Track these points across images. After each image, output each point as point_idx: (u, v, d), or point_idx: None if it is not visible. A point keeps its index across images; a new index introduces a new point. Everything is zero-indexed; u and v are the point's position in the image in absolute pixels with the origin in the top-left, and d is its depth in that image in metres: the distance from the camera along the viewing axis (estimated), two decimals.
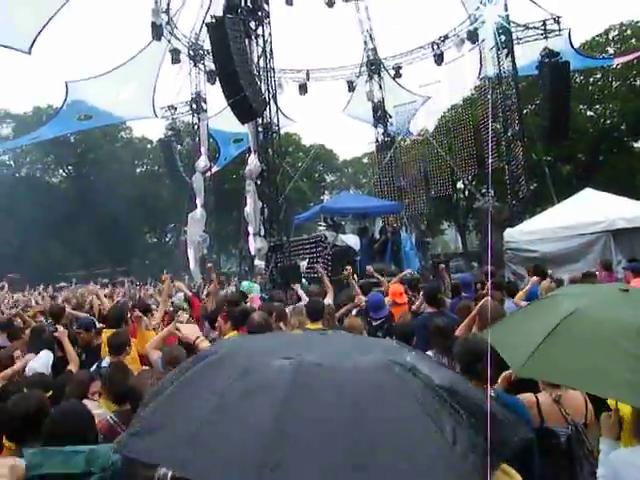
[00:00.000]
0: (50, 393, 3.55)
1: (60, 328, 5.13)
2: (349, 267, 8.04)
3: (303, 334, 3.64)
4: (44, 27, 14.06)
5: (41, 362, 4.80)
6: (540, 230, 11.38)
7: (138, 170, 49.72)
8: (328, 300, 7.24)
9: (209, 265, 11.07)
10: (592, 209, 11.28)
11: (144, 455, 1.54)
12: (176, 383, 1.76)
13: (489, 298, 4.77)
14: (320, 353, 1.69)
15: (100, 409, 3.46)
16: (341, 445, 1.33)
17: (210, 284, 9.23)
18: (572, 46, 20.63)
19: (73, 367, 4.78)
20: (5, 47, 13.68)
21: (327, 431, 1.36)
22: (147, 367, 4.57)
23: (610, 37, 31.35)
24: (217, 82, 15.12)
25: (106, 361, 4.55)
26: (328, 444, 1.33)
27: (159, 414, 1.62)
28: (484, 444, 1.42)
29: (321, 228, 16.49)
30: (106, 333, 5.33)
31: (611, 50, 30.33)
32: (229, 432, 1.41)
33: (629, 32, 30.82)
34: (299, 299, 8.17)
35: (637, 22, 30.70)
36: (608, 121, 31.97)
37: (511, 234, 12.18)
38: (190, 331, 3.94)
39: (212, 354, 1.79)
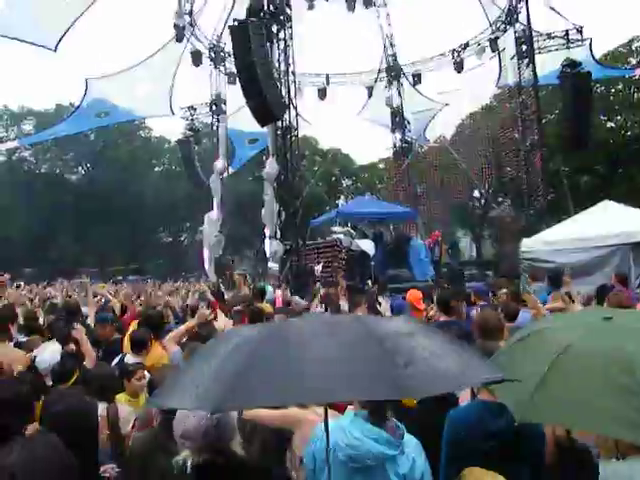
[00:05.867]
0: None
1: (77, 326, 5.07)
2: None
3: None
4: (72, 25, 14.20)
5: (51, 350, 4.62)
6: (558, 241, 11.20)
7: (156, 169, 50.09)
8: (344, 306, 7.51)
9: (237, 276, 11.88)
10: (611, 221, 11.05)
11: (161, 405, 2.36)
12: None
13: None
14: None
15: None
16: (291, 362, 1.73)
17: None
18: (593, 57, 20.43)
19: (89, 363, 4.70)
20: (32, 44, 13.85)
21: (282, 359, 1.75)
22: None
23: (633, 48, 31.05)
24: (237, 83, 15.16)
25: (128, 357, 4.56)
26: (281, 366, 1.72)
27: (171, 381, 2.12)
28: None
29: (337, 231, 16.30)
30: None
31: (633, 61, 30.06)
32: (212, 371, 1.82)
33: None
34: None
35: None
36: (629, 132, 31.64)
37: (528, 244, 12.05)
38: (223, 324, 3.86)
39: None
